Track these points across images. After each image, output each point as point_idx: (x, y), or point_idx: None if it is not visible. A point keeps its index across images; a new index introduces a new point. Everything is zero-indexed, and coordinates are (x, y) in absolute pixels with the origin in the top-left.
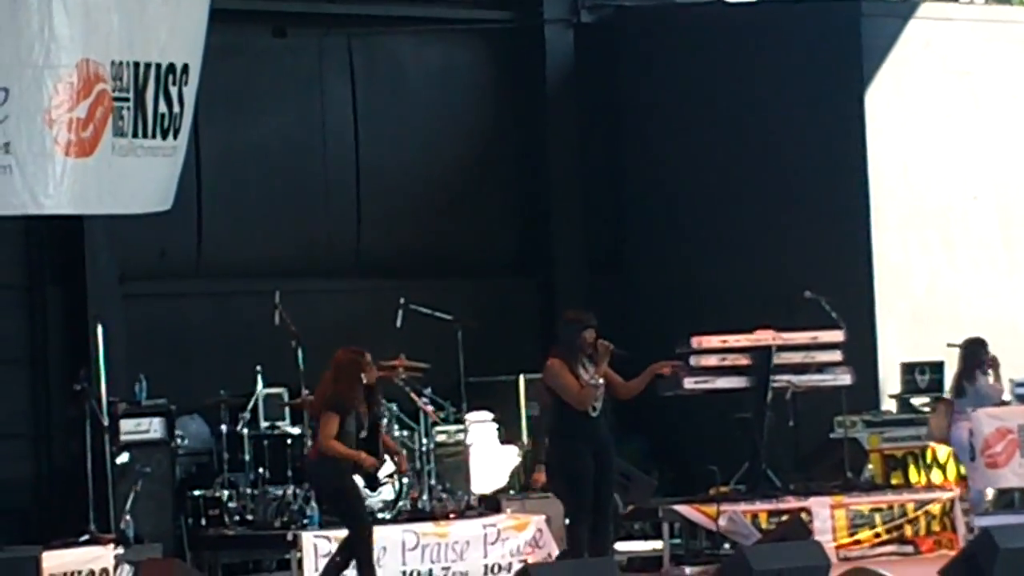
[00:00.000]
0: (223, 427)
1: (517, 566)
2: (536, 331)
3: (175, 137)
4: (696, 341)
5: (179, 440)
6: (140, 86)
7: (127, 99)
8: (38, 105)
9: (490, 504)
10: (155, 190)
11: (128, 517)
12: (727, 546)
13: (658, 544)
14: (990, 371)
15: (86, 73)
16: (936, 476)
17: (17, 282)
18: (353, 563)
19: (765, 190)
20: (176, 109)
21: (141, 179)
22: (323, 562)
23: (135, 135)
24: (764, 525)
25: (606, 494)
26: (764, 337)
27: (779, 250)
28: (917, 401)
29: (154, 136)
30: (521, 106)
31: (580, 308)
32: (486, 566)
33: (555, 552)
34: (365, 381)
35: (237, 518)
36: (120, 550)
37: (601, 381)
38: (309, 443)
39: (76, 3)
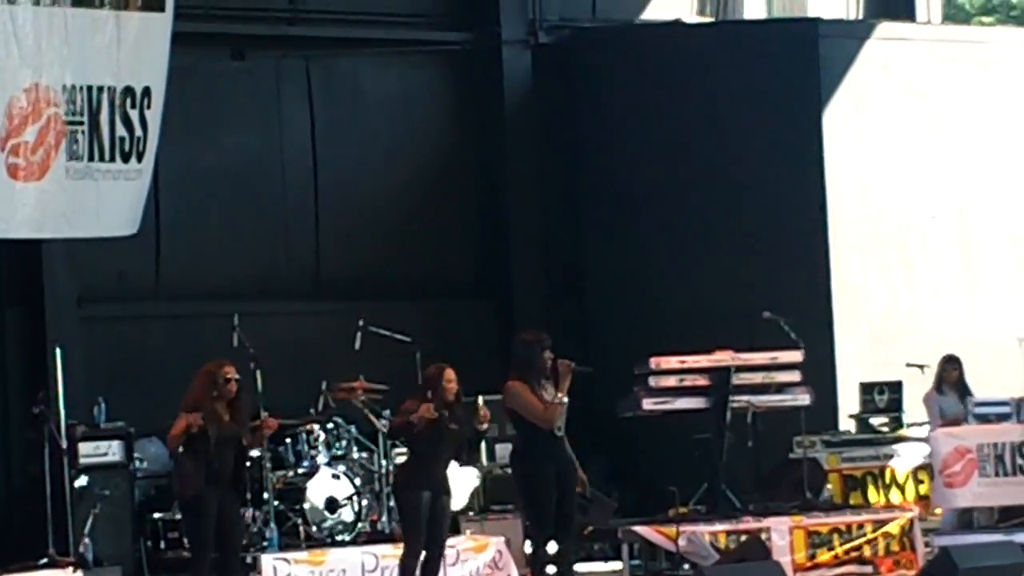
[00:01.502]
0: (181, 448)
1: None
2: (495, 353)
3: (139, 160)
4: (655, 362)
5: (138, 463)
6: (94, 110)
7: (81, 123)
8: None
9: (451, 526)
10: (118, 214)
11: (87, 540)
12: (686, 567)
13: (617, 565)
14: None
15: (35, 97)
16: (895, 496)
17: None
18: None
19: (723, 210)
20: (138, 133)
21: (102, 203)
22: None
23: (91, 159)
24: (723, 546)
25: (568, 513)
26: (723, 358)
27: (738, 270)
28: (876, 421)
29: (113, 160)
30: (479, 128)
31: (534, 329)
32: None
33: (514, 574)
34: (219, 395)
35: None
36: (79, 573)
37: (566, 400)
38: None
39: (27, 27)
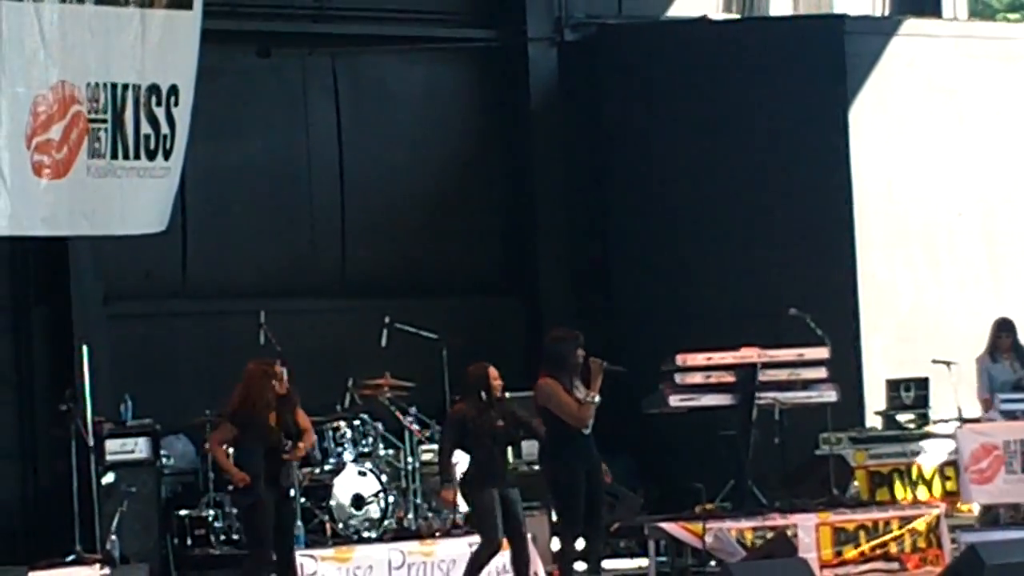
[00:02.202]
0: (208, 446)
1: None
2: (522, 349)
3: (165, 158)
4: (681, 359)
5: (165, 460)
6: (118, 108)
7: (104, 120)
8: (22, 128)
9: None
10: (145, 211)
11: (114, 537)
12: (713, 563)
13: (644, 562)
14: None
15: (61, 95)
16: (922, 492)
17: (2, 303)
18: None
19: (750, 207)
20: (165, 130)
21: (126, 200)
22: None
23: (114, 156)
24: (750, 542)
25: (597, 511)
26: (749, 354)
27: (764, 267)
28: (902, 418)
29: (137, 157)
30: (505, 125)
31: (566, 327)
32: None
33: (541, 570)
34: (276, 393)
35: (223, 537)
36: (106, 570)
37: (598, 399)
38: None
39: (53, 26)
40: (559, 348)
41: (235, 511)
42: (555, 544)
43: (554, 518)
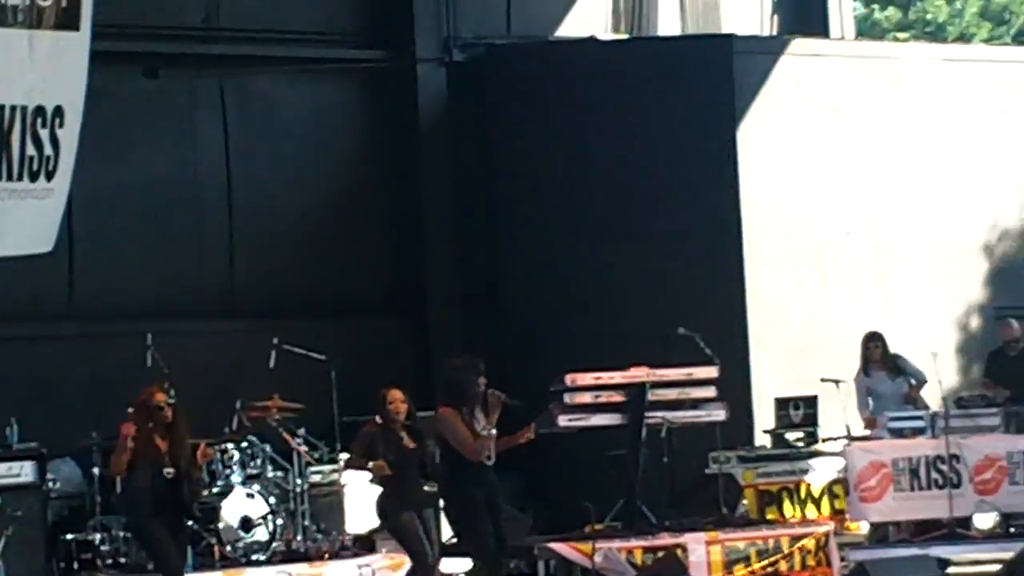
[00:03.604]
0: (95, 470)
1: None
2: (410, 370)
3: (48, 179)
4: (570, 378)
5: (51, 483)
6: (5, 129)
7: None
8: None
9: (364, 544)
10: (29, 232)
11: (0, 561)
12: None
13: None
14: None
15: None
16: (811, 511)
17: None
18: None
19: (639, 226)
20: (48, 151)
21: (7, 222)
22: None
23: None
24: (640, 562)
25: (502, 536)
26: (638, 374)
27: (653, 286)
28: (791, 436)
29: (20, 179)
30: (394, 145)
31: (467, 355)
32: None
33: None
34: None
35: (110, 561)
36: None
37: (494, 432)
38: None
39: None
40: (459, 377)
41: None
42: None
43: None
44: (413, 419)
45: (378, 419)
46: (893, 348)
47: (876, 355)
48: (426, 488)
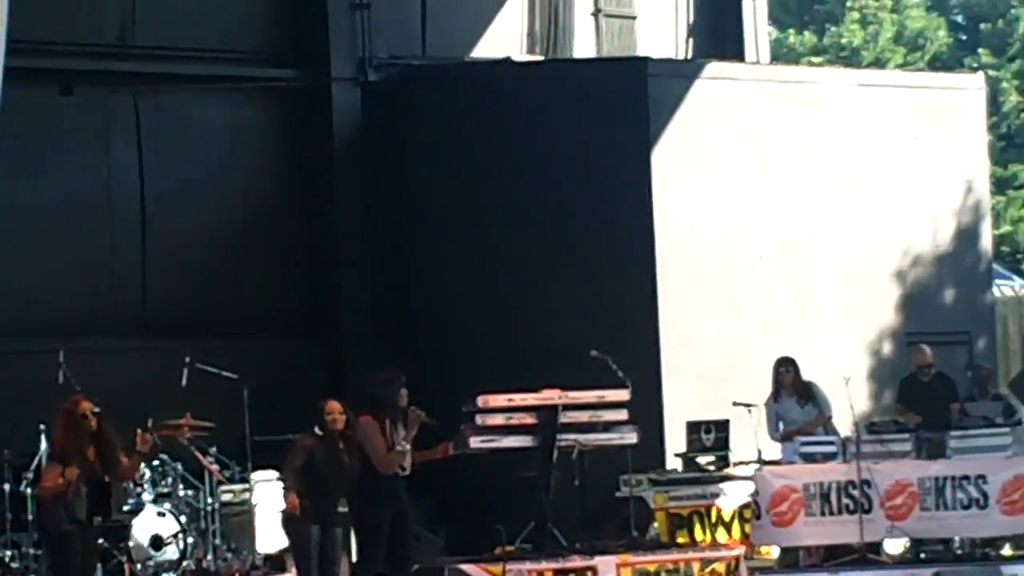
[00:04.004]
0: (6, 486)
1: None
2: (322, 389)
3: None
4: (482, 400)
5: None
6: None
7: None
8: None
9: (275, 564)
10: None
11: None
12: None
13: None
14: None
15: None
16: (721, 535)
17: None
18: None
19: (553, 248)
20: None
21: None
22: None
23: None
24: None
25: (407, 554)
26: (550, 396)
27: (566, 308)
28: (703, 460)
29: None
30: (308, 165)
31: (389, 367)
32: None
33: None
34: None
35: None
36: None
37: (408, 447)
38: None
39: None
40: (382, 389)
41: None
42: None
43: (354, 558)
44: (349, 430)
45: (316, 430)
46: (806, 373)
47: (787, 380)
48: (340, 509)
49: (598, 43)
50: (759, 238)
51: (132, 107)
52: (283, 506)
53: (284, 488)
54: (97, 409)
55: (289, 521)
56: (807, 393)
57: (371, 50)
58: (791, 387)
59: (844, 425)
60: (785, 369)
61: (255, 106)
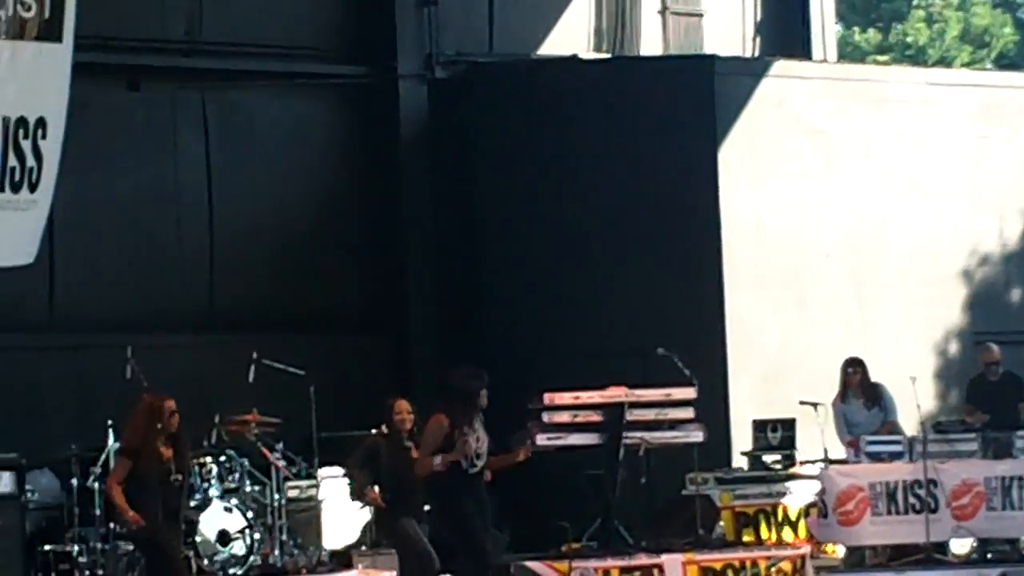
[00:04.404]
0: (74, 481)
1: None
2: (389, 385)
3: (31, 191)
4: (548, 398)
5: (29, 494)
6: None
7: None
8: None
9: (341, 560)
10: (9, 243)
11: None
12: None
13: None
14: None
15: None
16: (787, 533)
17: None
18: None
19: (620, 246)
20: (31, 163)
21: None
22: None
23: None
24: None
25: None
26: (617, 394)
27: (633, 307)
28: (769, 458)
29: (2, 190)
30: (375, 161)
31: (474, 367)
32: None
33: None
34: (163, 428)
35: (88, 573)
36: None
37: (484, 448)
38: None
39: None
40: (465, 386)
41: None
42: None
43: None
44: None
45: (384, 429)
46: (872, 373)
47: (855, 381)
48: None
49: (664, 41)
50: (825, 236)
51: (199, 103)
52: (366, 505)
53: (356, 485)
54: (177, 410)
55: (383, 523)
56: (874, 395)
57: (438, 47)
58: (859, 388)
59: (910, 425)
60: (853, 370)
61: (322, 103)
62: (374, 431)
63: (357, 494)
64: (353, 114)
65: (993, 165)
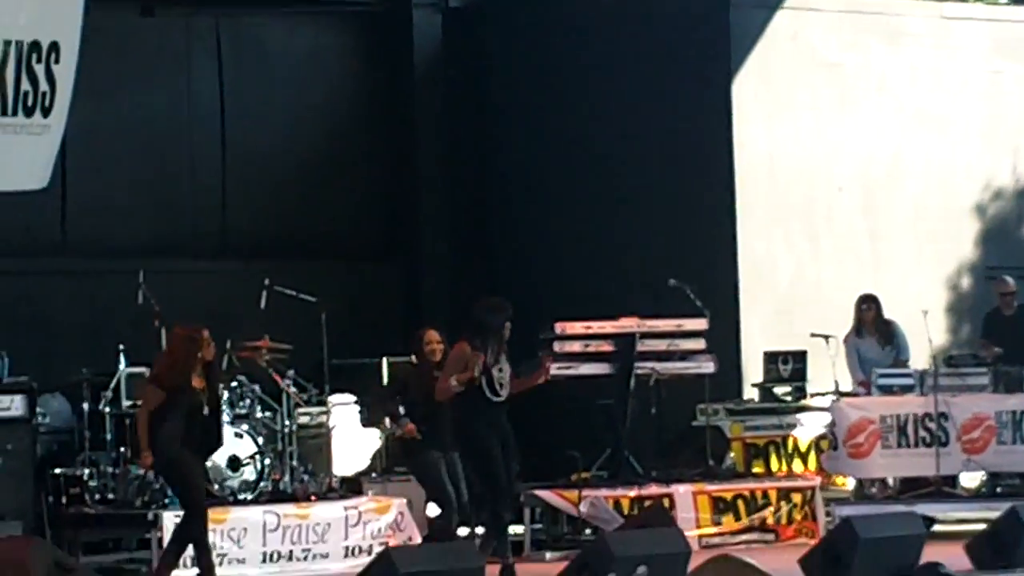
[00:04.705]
0: (85, 405)
1: (378, 549)
2: (400, 314)
3: (44, 116)
4: (560, 327)
5: (40, 418)
6: (0, 64)
7: None
8: None
9: (352, 487)
10: (23, 168)
11: None
12: (588, 532)
13: (519, 529)
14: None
15: None
16: (797, 465)
17: None
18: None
19: (633, 177)
20: (44, 87)
21: (5, 157)
22: None
23: None
24: (626, 512)
25: (509, 480)
26: (628, 324)
27: (645, 238)
28: (779, 390)
29: (15, 114)
30: (389, 89)
31: (498, 299)
32: (347, 548)
33: (416, 536)
34: (203, 358)
35: (98, 497)
36: None
37: (507, 376)
38: None
39: None
40: (490, 317)
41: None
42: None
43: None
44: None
45: (413, 359)
46: (884, 307)
47: (869, 318)
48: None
49: None
50: (838, 170)
51: (213, 29)
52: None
53: (387, 415)
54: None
55: (411, 453)
56: (888, 333)
57: None
58: (872, 325)
59: (922, 358)
60: (867, 307)
61: (336, 30)
62: (384, 358)
63: (384, 421)
64: (367, 42)
65: (1007, 100)
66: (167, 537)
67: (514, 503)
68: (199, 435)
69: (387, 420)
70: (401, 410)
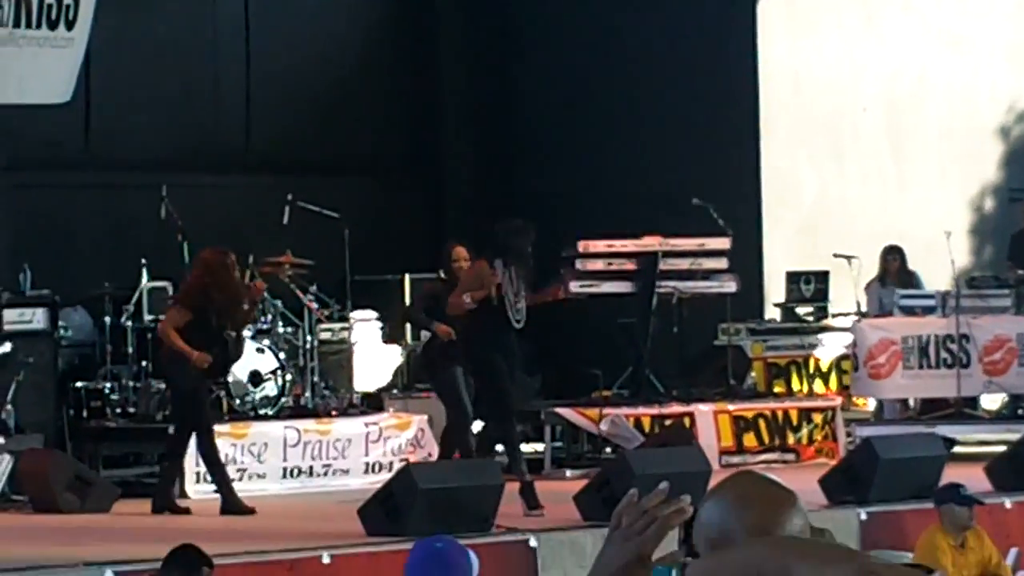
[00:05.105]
0: (107, 319)
1: (398, 465)
2: (423, 231)
3: (68, 29)
4: (582, 245)
5: (62, 331)
6: None
7: None
8: None
9: (372, 403)
10: (47, 81)
11: (9, 407)
12: (608, 450)
13: (539, 447)
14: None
15: None
16: (818, 385)
17: None
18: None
19: (656, 97)
20: (68, 0)
21: (26, 70)
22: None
23: (16, 25)
24: (647, 430)
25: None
26: (651, 242)
27: (668, 156)
28: (801, 310)
29: (39, 27)
30: (413, 7)
31: (522, 222)
32: (367, 464)
33: (435, 452)
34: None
35: (119, 410)
36: (0, 440)
37: (523, 300)
38: None
39: None
40: (514, 239)
41: (138, 386)
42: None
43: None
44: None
45: (441, 275)
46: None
47: (894, 268)
48: None
49: None
50: (863, 90)
51: None
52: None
53: (421, 328)
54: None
55: (432, 366)
56: (910, 283)
57: None
58: (896, 275)
59: (944, 280)
60: (892, 257)
61: None
62: (406, 274)
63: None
64: None
65: None
66: (186, 452)
67: (534, 418)
68: (220, 355)
69: (420, 332)
70: None
